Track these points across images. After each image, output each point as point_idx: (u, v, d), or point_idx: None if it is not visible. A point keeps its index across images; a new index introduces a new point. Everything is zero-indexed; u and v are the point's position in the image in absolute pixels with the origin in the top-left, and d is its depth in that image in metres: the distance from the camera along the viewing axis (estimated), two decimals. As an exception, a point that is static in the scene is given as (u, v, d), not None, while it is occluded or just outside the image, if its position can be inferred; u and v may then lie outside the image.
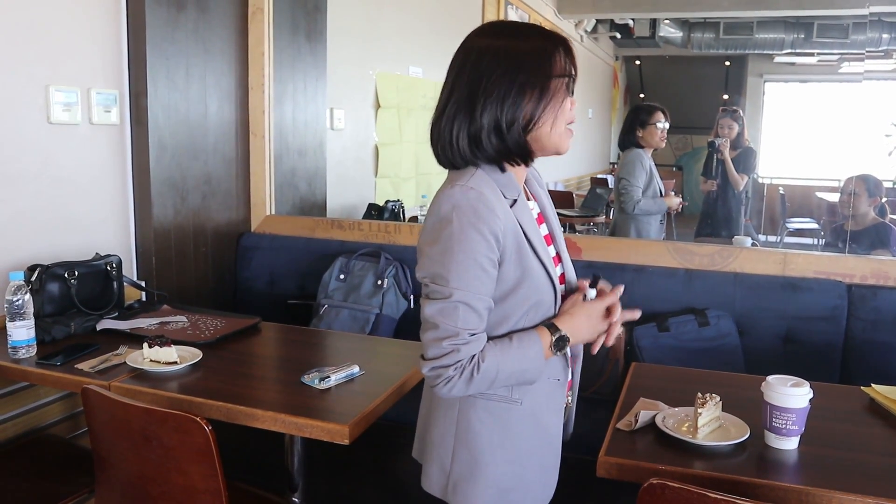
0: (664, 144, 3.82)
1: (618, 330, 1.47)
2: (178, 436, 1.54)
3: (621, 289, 1.48)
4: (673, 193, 3.92)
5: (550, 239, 1.51)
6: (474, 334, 1.31)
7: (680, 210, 4.00)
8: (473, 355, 1.30)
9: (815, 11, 8.09)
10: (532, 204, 1.49)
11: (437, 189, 1.39)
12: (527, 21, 6.79)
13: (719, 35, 9.56)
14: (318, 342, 2.43)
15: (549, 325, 1.40)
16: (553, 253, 1.50)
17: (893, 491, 1.39)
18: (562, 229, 1.58)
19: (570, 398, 1.58)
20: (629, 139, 3.82)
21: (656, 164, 3.91)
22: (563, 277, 1.50)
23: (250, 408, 1.73)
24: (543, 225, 1.51)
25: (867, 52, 7.98)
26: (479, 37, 1.38)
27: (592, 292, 1.47)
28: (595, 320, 1.44)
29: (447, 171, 1.43)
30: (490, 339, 1.36)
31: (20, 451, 2.23)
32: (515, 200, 1.38)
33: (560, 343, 1.39)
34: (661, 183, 3.84)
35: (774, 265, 2.60)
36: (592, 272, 1.54)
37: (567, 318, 1.42)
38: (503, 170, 1.39)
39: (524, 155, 1.39)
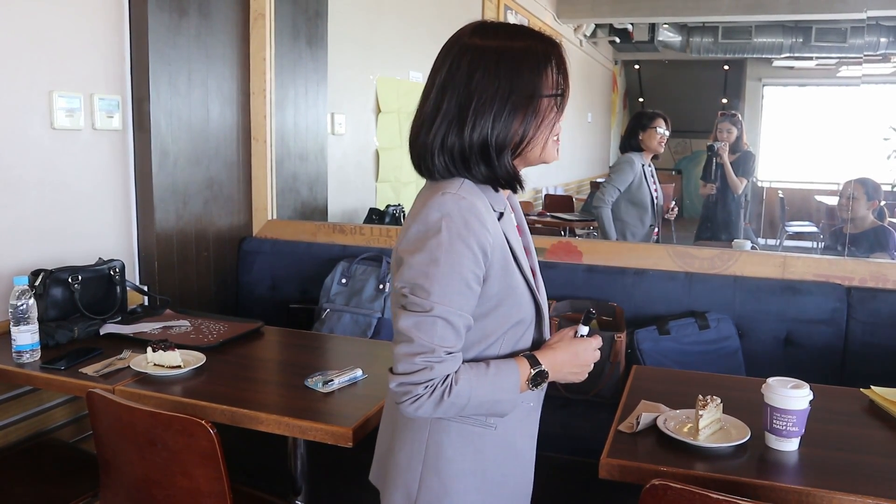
0: (663, 150, 3.84)
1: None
2: (183, 439, 1.55)
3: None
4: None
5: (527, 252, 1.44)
6: (451, 353, 1.22)
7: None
8: (447, 375, 1.21)
9: (813, 15, 8.11)
10: (512, 215, 1.42)
11: (420, 194, 1.33)
12: (526, 24, 6.80)
13: (718, 39, 9.58)
14: (320, 346, 2.44)
15: (530, 356, 1.32)
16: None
17: (893, 492, 1.40)
18: (531, 241, 1.49)
19: None
20: (629, 143, 3.86)
21: (656, 169, 3.92)
22: None
23: (254, 411, 1.74)
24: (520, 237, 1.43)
25: (865, 55, 7.99)
26: (472, 37, 1.29)
27: (585, 329, 1.39)
28: (581, 359, 1.37)
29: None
30: (466, 360, 1.27)
31: (24, 455, 2.25)
32: (502, 213, 1.33)
33: (538, 378, 1.31)
34: (654, 188, 3.84)
35: (774, 268, 2.61)
36: (588, 308, 1.48)
37: (550, 352, 1.34)
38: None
39: (512, 183, 1.33)
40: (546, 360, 1.32)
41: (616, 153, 12.31)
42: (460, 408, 1.24)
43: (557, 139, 1.34)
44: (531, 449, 1.44)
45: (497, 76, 1.26)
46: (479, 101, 1.26)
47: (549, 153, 1.35)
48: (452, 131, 1.27)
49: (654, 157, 3.86)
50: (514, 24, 1.33)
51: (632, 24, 9.36)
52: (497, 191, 1.34)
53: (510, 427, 1.36)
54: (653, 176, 3.86)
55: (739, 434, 1.60)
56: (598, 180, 8.87)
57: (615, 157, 12.17)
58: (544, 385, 1.35)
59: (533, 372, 1.30)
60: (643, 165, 3.79)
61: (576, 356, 1.36)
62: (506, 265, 1.29)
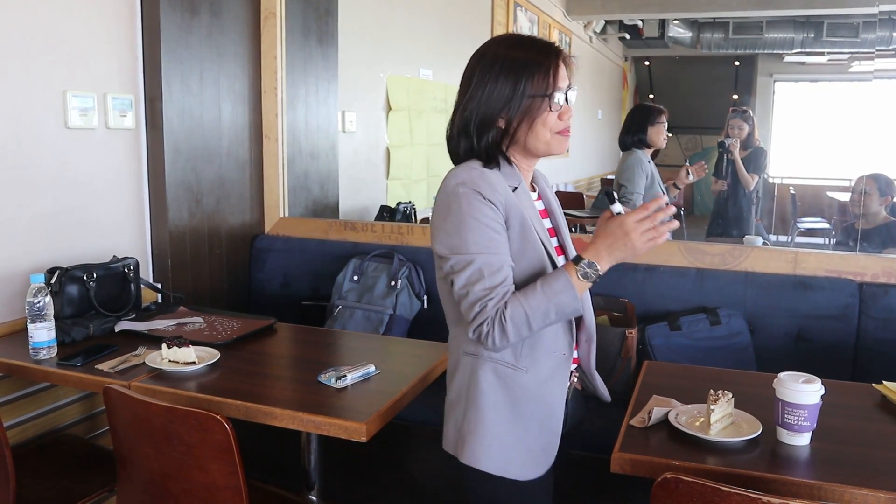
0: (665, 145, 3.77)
1: (665, 231, 1.43)
2: (199, 434, 1.57)
3: (661, 200, 1.45)
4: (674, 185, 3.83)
5: (554, 232, 1.63)
6: (497, 288, 1.41)
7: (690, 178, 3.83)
8: (498, 309, 1.40)
9: (824, 10, 8.07)
10: (534, 195, 1.60)
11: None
12: (536, 20, 6.81)
13: (729, 35, 9.55)
14: (333, 342, 2.45)
15: (574, 258, 1.46)
16: (556, 244, 1.61)
17: (905, 486, 1.40)
18: (567, 227, 1.68)
19: (581, 375, 1.69)
20: (633, 139, 3.72)
21: (666, 166, 3.88)
22: None
23: (269, 406, 1.75)
24: (547, 219, 1.63)
25: (877, 50, 7.96)
26: (490, 44, 1.53)
27: (618, 207, 1.45)
28: (624, 231, 1.42)
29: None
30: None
31: (41, 450, 2.27)
32: (516, 188, 1.50)
33: (586, 269, 1.43)
34: (662, 186, 3.79)
35: (785, 264, 2.60)
36: (605, 189, 1.54)
37: (591, 246, 1.45)
38: (499, 164, 1.51)
39: (489, 156, 1.50)
40: (589, 253, 1.45)
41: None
42: (524, 323, 1.41)
43: (562, 135, 1.52)
44: (561, 394, 1.57)
45: (495, 73, 1.48)
46: (474, 89, 1.50)
47: (552, 148, 1.53)
48: (456, 113, 1.54)
49: (654, 151, 3.76)
50: (529, 37, 1.55)
51: (642, 20, 9.34)
52: (493, 163, 1.50)
53: (540, 372, 1.52)
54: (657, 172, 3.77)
55: (751, 428, 1.60)
56: (610, 177, 8.88)
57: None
58: (573, 322, 1.54)
59: (578, 267, 1.43)
60: (648, 162, 3.71)
61: (615, 234, 1.44)
62: (522, 223, 1.47)
